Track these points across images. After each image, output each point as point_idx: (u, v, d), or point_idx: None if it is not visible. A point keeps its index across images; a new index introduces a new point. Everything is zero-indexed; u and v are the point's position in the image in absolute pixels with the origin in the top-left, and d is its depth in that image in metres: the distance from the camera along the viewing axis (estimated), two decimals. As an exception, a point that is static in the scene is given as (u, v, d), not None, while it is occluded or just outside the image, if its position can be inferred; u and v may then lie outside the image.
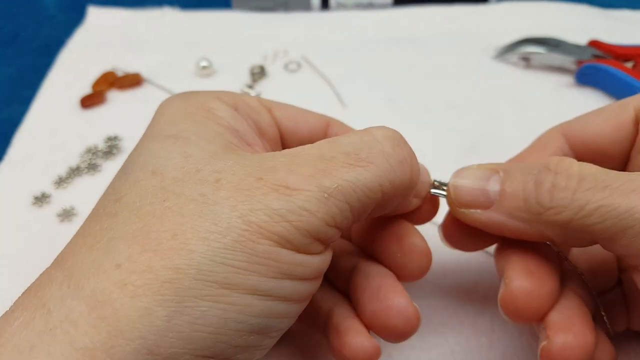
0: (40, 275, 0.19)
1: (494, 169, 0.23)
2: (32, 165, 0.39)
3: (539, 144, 0.27)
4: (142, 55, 0.48)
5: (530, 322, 0.23)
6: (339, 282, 0.25)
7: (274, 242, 0.18)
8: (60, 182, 0.38)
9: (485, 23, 0.51)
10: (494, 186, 0.23)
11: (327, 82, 0.46)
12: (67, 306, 0.17)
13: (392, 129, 0.22)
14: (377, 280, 0.24)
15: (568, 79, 0.45)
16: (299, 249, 0.19)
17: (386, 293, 0.23)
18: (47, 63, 0.48)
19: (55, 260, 0.19)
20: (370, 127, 0.22)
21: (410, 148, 0.22)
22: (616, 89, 0.42)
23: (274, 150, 0.25)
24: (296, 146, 0.21)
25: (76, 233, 0.20)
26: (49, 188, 0.38)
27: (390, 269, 0.24)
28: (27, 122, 0.43)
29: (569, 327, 0.22)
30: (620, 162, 0.26)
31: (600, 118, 0.26)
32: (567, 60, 0.45)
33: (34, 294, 0.18)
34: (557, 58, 0.45)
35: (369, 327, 0.23)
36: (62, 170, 0.39)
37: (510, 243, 0.24)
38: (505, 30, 0.49)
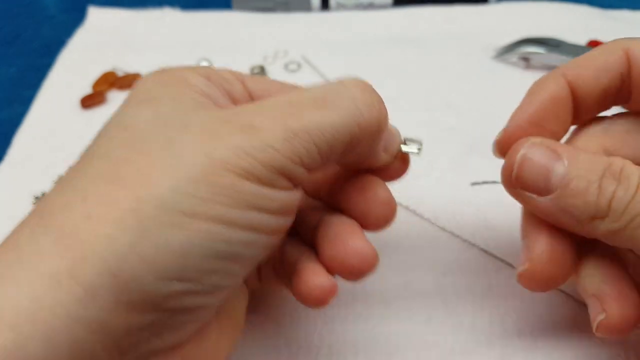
0: (17, 224, 0.20)
1: (557, 153, 0.23)
2: (32, 166, 0.39)
3: (540, 92, 0.27)
4: (143, 56, 0.48)
5: (547, 290, 0.24)
6: (307, 236, 0.26)
7: (238, 175, 0.19)
8: (61, 182, 0.38)
9: (485, 23, 0.51)
10: (558, 170, 0.22)
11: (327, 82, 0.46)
12: (36, 241, 0.18)
13: (361, 80, 0.23)
14: (337, 227, 0.24)
15: (568, 79, 0.45)
16: (264, 183, 0.20)
17: (344, 236, 0.24)
18: (47, 63, 0.48)
19: (31, 209, 0.20)
20: (340, 78, 0.23)
21: (379, 95, 0.23)
22: (616, 89, 0.42)
23: None
24: None
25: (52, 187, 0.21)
26: (49, 188, 0.38)
27: (355, 220, 0.25)
28: (27, 122, 0.43)
29: (623, 298, 0.23)
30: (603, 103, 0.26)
31: (596, 61, 0.26)
32: (567, 61, 0.44)
33: (9, 237, 0.19)
34: (557, 58, 0.45)
35: (330, 270, 0.24)
36: (62, 171, 0.39)
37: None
38: (505, 31, 0.49)
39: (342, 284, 0.23)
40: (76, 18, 0.53)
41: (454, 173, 0.37)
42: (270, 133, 0.19)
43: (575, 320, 0.29)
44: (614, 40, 0.26)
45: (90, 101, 0.44)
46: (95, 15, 0.53)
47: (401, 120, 0.42)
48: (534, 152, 0.23)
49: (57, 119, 0.43)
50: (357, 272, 0.23)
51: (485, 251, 0.33)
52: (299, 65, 0.48)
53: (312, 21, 0.52)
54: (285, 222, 0.22)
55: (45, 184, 0.38)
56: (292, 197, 0.21)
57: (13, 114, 0.44)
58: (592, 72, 0.25)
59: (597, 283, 0.24)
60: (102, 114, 0.43)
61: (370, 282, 0.30)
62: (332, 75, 0.46)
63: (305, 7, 0.54)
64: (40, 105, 0.44)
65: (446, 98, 0.44)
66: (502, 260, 0.32)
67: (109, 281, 0.17)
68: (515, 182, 0.23)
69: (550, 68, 0.46)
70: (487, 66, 0.47)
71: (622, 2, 0.54)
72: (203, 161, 0.19)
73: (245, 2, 0.53)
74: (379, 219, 0.25)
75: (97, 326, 0.17)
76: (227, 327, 0.23)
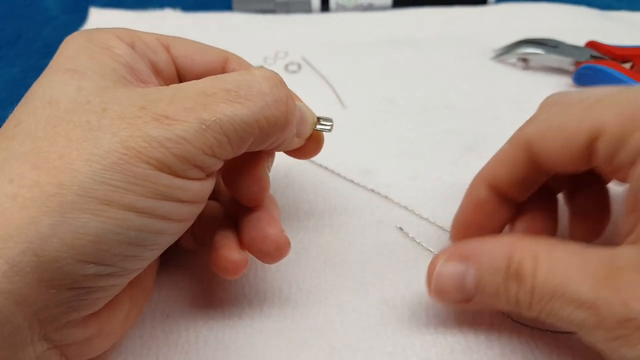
0: None
1: (466, 259, 0.25)
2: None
3: (465, 199, 0.30)
4: (144, 57, 0.49)
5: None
6: (226, 205, 0.29)
7: (152, 165, 0.20)
8: (63, 182, 0.38)
9: (484, 24, 0.51)
10: (470, 280, 0.25)
11: (328, 83, 0.46)
12: None
13: (271, 71, 0.24)
14: (258, 213, 0.27)
15: (566, 80, 0.45)
16: (177, 174, 0.21)
17: (263, 224, 0.26)
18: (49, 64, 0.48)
19: None
20: (253, 68, 0.25)
21: (287, 90, 0.24)
22: (614, 90, 0.43)
23: None
24: None
25: None
26: None
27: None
28: (29, 123, 0.43)
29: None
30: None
31: (504, 159, 0.28)
32: (566, 61, 0.45)
33: None
34: (556, 59, 0.45)
35: (246, 249, 0.27)
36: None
37: None
38: (503, 32, 0.49)
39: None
40: (78, 19, 0.53)
41: (453, 173, 0.38)
42: (184, 125, 0.21)
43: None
44: (518, 130, 0.29)
45: (91, 102, 0.44)
46: (96, 16, 0.53)
47: (400, 121, 0.43)
48: (446, 268, 0.26)
49: (59, 119, 0.43)
50: (271, 258, 0.26)
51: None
52: (299, 66, 0.48)
53: (312, 22, 0.53)
54: (197, 209, 0.24)
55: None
56: (205, 187, 0.23)
57: (15, 114, 0.44)
58: (504, 169, 0.28)
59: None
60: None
61: (369, 279, 0.31)
62: (332, 76, 0.46)
63: (306, 8, 0.54)
64: (42, 106, 0.44)
65: (445, 99, 0.44)
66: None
67: (32, 260, 0.18)
68: (438, 297, 0.27)
69: (549, 69, 0.46)
70: (486, 67, 0.47)
71: (621, 2, 0.55)
72: (119, 149, 0.20)
73: (245, 3, 0.54)
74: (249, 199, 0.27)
75: (20, 299, 0.18)
76: (137, 293, 0.26)
